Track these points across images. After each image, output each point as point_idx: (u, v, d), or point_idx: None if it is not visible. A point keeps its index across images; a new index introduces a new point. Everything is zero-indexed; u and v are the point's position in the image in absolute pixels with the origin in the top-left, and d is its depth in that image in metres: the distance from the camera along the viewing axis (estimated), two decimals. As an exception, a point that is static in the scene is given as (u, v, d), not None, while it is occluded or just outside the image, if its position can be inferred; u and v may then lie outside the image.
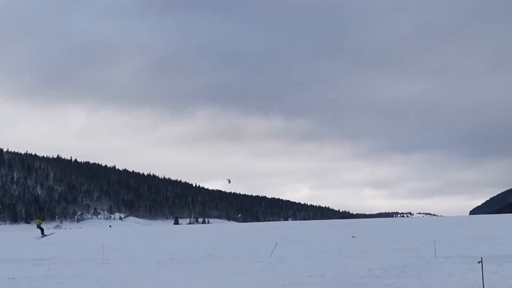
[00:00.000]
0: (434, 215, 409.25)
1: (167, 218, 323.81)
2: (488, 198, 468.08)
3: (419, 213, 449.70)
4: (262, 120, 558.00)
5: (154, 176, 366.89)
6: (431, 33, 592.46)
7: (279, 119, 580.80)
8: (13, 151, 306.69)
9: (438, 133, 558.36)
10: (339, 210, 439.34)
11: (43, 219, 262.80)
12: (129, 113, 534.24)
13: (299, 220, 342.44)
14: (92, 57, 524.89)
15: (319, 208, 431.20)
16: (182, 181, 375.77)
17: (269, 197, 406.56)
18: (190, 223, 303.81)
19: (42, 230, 63.54)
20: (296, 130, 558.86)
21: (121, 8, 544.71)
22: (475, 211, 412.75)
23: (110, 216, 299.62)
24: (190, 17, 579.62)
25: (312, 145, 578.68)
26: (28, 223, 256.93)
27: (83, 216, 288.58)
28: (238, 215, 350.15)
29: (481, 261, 19.30)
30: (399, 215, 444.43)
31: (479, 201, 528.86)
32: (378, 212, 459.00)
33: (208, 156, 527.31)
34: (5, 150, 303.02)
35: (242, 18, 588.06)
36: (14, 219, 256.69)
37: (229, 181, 70.39)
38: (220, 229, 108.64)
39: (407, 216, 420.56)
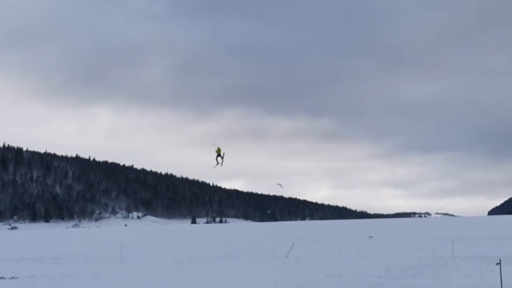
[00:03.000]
0: (452, 215, 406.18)
1: (184, 217, 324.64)
2: (507, 198, 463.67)
3: (437, 213, 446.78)
4: (286, 120, 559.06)
5: (171, 175, 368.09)
6: (454, 33, 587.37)
7: (302, 119, 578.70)
8: (32, 150, 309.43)
9: (459, 133, 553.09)
10: (356, 210, 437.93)
11: (62, 218, 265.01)
12: (155, 113, 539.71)
13: (316, 219, 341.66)
14: (123, 58, 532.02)
15: (336, 208, 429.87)
16: (200, 180, 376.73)
17: (286, 196, 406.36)
18: (207, 222, 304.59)
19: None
20: (319, 130, 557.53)
21: (153, 12, 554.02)
22: (494, 211, 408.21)
23: (128, 215, 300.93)
24: (219, 19, 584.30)
25: (334, 145, 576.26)
26: (47, 221, 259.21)
27: (101, 215, 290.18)
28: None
29: (499, 263, 19.16)
30: (417, 215, 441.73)
31: (499, 201, 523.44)
32: (395, 212, 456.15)
33: (231, 157, 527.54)
34: (24, 149, 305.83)
35: (269, 19, 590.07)
36: (34, 218, 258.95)
37: (281, 186, 69.68)
38: (237, 228, 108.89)
39: (425, 216, 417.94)
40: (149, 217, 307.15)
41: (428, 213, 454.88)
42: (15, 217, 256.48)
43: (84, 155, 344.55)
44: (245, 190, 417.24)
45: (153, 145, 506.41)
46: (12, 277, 25.68)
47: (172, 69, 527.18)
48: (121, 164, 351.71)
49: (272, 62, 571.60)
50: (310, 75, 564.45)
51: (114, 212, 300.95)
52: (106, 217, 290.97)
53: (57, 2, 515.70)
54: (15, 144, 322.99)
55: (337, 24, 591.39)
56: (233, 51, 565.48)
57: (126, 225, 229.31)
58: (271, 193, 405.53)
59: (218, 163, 52.34)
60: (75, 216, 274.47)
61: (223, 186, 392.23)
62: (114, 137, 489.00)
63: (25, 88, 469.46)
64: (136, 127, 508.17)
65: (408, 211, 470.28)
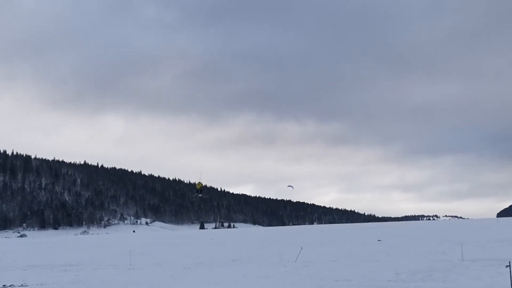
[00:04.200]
0: (461, 217, 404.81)
1: (193, 222, 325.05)
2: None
3: (446, 215, 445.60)
4: (296, 125, 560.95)
5: (179, 180, 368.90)
6: (462, 36, 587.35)
7: (312, 123, 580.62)
8: (41, 157, 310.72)
9: (468, 135, 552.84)
10: (364, 213, 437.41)
11: (71, 225, 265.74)
12: (166, 120, 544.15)
13: (324, 223, 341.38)
14: (135, 66, 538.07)
15: (345, 212, 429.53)
16: (208, 185, 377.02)
17: (294, 201, 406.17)
18: (215, 227, 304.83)
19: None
20: (328, 134, 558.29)
21: (164, 21, 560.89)
22: (503, 213, 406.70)
23: (137, 221, 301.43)
24: (229, 26, 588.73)
25: (343, 149, 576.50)
26: (56, 228, 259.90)
27: (110, 221, 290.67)
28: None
29: (510, 265, 19.11)
30: (425, 218, 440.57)
31: (508, 203, 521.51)
32: (404, 215, 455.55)
33: (240, 162, 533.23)
34: (33, 156, 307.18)
35: (279, 25, 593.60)
36: (42, 225, 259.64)
37: (292, 187, 69.68)
38: (245, 233, 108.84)
39: (434, 219, 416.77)
40: (157, 223, 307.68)
41: (436, 216, 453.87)
42: (24, 224, 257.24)
43: (93, 162, 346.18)
44: (254, 195, 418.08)
45: (163, 151, 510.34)
46: (22, 285, 25.80)
47: (183, 76, 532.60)
48: (129, 170, 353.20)
49: (282, 68, 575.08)
50: (319, 80, 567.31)
51: (122, 219, 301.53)
52: (114, 224, 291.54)
53: (70, 12, 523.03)
54: (27, 152, 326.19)
55: (346, 29, 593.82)
56: (243, 57, 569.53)
57: (134, 231, 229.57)
58: (280, 197, 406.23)
59: (200, 195, 53.94)
60: (84, 223, 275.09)
61: (231, 191, 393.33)
62: (125, 144, 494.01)
63: (38, 97, 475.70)
64: (147, 134, 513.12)
65: (417, 214, 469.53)
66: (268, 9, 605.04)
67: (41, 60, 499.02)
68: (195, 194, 56.98)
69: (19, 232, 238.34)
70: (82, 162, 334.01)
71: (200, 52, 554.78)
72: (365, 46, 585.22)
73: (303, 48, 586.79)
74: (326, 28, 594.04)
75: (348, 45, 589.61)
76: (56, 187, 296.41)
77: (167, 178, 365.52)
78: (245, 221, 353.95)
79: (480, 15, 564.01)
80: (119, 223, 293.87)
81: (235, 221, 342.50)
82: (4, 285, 26.01)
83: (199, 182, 56.52)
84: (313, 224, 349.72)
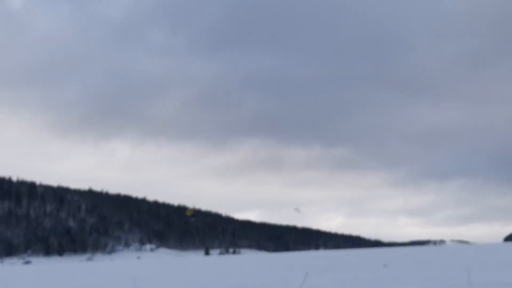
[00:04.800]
0: (467, 242, 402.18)
1: (197, 248, 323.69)
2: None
3: (452, 240, 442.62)
4: (302, 150, 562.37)
5: (184, 206, 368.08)
6: (468, 62, 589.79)
7: (318, 148, 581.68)
8: (45, 184, 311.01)
9: (474, 159, 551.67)
10: (370, 238, 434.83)
11: (75, 251, 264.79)
12: (172, 146, 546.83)
13: (329, 249, 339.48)
14: (141, 92, 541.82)
15: (350, 237, 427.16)
16: (213, 211, 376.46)
17: (300, 226, 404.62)
18: (220, 253, 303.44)
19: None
20: (334, 159, 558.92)
21: (172, 47, 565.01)
22: (510, 237, 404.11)
23: (141, 247, 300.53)
24: (237, 52, 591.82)
25: (349, 173, 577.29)
26: (60, 255, 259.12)
27: (115, 247, 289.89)
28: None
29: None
30: (431, 243, 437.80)
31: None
32: (410, 240, 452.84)
33: (246, 187, 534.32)
34: (38, 183, 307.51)
35: (286, 51, 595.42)
36: (47, 252, 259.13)
37: (298, 210, 69.79)
38: (250, 259, 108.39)
39: (440, 244, 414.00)
40: (162, 249, 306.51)
41: (443, 240, 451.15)
42: (29, 251, 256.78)
43: (98, 188, 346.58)
44: (260, 220, 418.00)
45: (169, 177, 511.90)
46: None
47: (189, 102, 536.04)
48: (134, 196, 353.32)
49: (289, 94, 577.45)
50: (326, 105, 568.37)
51: (127, 245, 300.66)
52: (119, 250, 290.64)
53: (79, 39, 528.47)
54: (31, 178, 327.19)
55: (353, 55, 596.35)
56: (250, 83, 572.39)
57: (138, 258, 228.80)
58: (285, 223, 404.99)
59: (193, 219, 55.03)
60: (89, 249, 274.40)
61: (235, 217, 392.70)
62: (131, 171, 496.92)
63: (45, 123, 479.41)
64: (153, 160, 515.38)
65: (423, 238, 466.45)
66: (275, 36, 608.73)
67: (49, 86, 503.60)
68: (192, 219, 57.61)
69: (23, 259, 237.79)
70: (87, 189, 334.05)
71: (207, 78, 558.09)
72: (372, 72, 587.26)
73: (310, 74, 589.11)
74: (332, 54, 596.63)
75: (354, 71, 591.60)
76: (61, 213, 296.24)
77: (171, 204, 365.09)
78: (250, 246, 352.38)
79: (486, 41, 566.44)
80: (123, 250, 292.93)
81: (240, 247, 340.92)
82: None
83: (190, 209, 57.50)
84: (318, 249, 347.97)
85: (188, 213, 55.38)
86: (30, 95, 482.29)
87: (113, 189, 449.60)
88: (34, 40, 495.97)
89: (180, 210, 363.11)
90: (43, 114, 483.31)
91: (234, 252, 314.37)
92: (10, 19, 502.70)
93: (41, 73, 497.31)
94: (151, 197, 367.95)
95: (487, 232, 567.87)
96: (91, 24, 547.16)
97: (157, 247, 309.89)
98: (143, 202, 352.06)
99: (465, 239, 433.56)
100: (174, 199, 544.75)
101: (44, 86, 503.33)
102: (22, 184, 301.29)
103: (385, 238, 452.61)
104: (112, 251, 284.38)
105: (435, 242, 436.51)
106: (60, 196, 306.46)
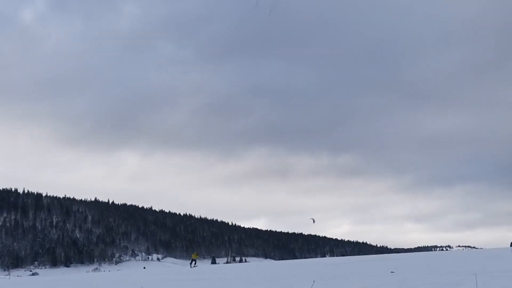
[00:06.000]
0: (474, 247, 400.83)
1: (204, 257, 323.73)
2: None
3: (459, 245, 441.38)
4: (309, 158, 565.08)
5: (190, 216, 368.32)
6: (474, 68, 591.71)
7: (325, 156, 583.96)
8: (51, 195, 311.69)
9: (480, 165, 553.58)
10: (377, 245, 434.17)
11: (82, 262, 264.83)
12: (180, 155, 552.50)
13: (336, 256, 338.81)
14: (150, 103, 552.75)
15: (357, 244, 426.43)
16: (219, 220, 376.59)
17: (306, 233, 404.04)
18: (227, 262, 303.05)
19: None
20: (341, 166, 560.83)
21: (180, 58, 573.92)
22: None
23: (148, 257, 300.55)
24: (245, 62, 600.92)
25: (356, 180, 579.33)
26: (67, 266, 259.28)
27: (121, 258, 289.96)
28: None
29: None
30: (438, 249, 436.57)
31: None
32: (416, 246, 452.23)
33: (253, 195, 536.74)
34: (44, 194, 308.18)
35: (293, 60, 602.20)
36: (54, 263, 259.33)
37: (313, 221, 70.28)
38: (257, 267, 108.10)
39: (446, 249, 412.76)
40: (169, 259, 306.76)
41: (449, 246, 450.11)
42: (36, 263, 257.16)
43: (105, 199, 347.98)
44: (267, 228, 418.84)
45: (176, 187, 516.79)
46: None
47: (197, 112, 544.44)
48: (140, 206, 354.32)
49: (296, 102, 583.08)
50: (332, 113, 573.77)
51: (134, 255, 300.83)
52: (126, 260, 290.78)
53: (88, 51, 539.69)
54: (39, 190, 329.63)
55: (360, 63, 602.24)
56: (257, 92, 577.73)
57: (144, 268, 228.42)
58: (291, 231, 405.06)
59: (193, 265, 56.48)
60: (95, 260, 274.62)
61: (242, 225, 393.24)
62: (139, 181, 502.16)
63: (54, 135, 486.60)
64: (161, 170, 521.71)
65: (429, 244, 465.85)
66: (282, 45, 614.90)
67: (59, 99, 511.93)
68: (192, 265, 58.93)
69: (30, 271, 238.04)
70: (93, 199, 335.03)
71: (215, 87, 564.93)
72: (378, 80, 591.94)
73: (316, 82, 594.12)
74: (339, 62, 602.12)
75: (361, 79, 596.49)
76: (67, 224, 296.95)
77: (177, 213, 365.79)
78: (256, 255, 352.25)
79: (492, 47, 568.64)
80: (130, 260, 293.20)
81: (247, 256, 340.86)
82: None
83: (195, 253, 59.49)
84: (325, 256, 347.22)
85: (194, 257, 58.10)
86: (41, 108, 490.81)
87: (121, 199, 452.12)
88: (45, 54, 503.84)
89: (187, 219, 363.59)
90: (52, 126, 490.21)
91: (240, 261, 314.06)
92: (21, 34, 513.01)
93: (52, 86, 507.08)
94: (158, 207, 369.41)
95: (493, 237, 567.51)
96: (101, 37, 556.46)
97: (164, 256, 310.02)
98: (149, 211, 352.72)
99: (471, 244, 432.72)
100: (181, 209, 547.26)
101: (54, 98, 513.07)
102: (28, 195, 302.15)
103: (391, 244, 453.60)
104: (118, 261, 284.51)
105: (442, 248, 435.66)
106: (67, 207, 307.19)
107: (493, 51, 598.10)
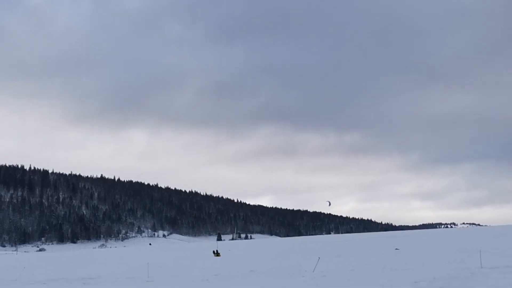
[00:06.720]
0: (479, 225, 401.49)
1: (210, 234, 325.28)
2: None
3: (463, 223, 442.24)
4: (316, 136, 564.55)
5: (196, 193, 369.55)
6: (482, 49, 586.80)
7: (332, 134, 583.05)
8: (58, 172, 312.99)
9: (486, 144, 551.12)
10: (381, 222, 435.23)
11: (89, 238, 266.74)
12: (188, 134, 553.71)
13: (341, 233, 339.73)
14: (159, 83, 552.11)
15: (362, 221, 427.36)
16: (224, 197, 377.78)
17: (311, 211, 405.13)
18: (232, 238, 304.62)
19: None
20: (348, 145, 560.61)
21: (189, 38, 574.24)
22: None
23: (154, 234, 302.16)
24: (252, 42, 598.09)
25: (362, 159, 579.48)
26: (74, 242, 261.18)
27: (128, 234, 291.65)
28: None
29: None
30: (442, 226, 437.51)
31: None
32: (421, 224, 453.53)
33: (260, 173, 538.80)
34: (50, 171, 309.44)
35: (301, 40, 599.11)
36: (61, 239, 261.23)
37: (329, 203, 70.95)
38: (262, 244, 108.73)
39: (451, 227, 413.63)
40: (175, 235, 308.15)
41: (454, 224, 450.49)
42: (43, 239, 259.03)
43: (111, 176, 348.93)
44: (272, 205, 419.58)
45: (184, 165, 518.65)
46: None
47: (206, 91, 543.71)
48: (146, 183, 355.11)
49: (303, 82, 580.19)
50: (340, 92, 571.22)
51: (140, 232, 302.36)
52: (132, 237, 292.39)
53: (98, 32, 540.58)
54: (48, 167, 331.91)
55: (368, 43, 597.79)
56: (265, 72, 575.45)
57: (150, 244, 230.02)
58: (296, 208, 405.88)
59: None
60: (102, 236, 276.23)
61: (247, 202, 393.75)
62: (147, 159, 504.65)
63: (64, 113, 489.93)
64: (169, 148, 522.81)
65: (434, 222, 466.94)
66: (290, 25, 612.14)
67: (69, 78, 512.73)
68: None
69: (38, 246, 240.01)
70: (99, 176, 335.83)
71: (223, 67, 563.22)
72: (386, 60, 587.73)
73: (324, 62, 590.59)
74: (346, 42, 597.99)
75: (368, 59, 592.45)
76: (74, 201, 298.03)
77: (183, 190, 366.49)
78: (262, 232, 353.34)
79: (499, 29, 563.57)
80: (136, 236, 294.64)
81: (252, 232, 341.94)
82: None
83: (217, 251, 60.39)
84: (330, 234, 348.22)
85: (217, 255, 58.60)
86: (51, 86, 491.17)
87: (127, 177, 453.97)
88: (55, 33, 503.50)
89: (192, 196, 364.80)
90: (62, 104, 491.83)
91: (246, 238, 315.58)
92: (31, 14, 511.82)
93: (62, 66, 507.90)
94: (164, 184, 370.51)
95: (498, 214, 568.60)
96: (110, 17, 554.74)
97: (170, 233, 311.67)
98: (155, 188, 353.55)
99: (476, 222, 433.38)
100: (188, 187, 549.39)
101: (64, 78, 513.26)
102: (35, 172, 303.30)
103: (396, 222, 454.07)
104: (125, 238, 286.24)
105: (446, 225, 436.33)
106: (73, 184, 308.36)
107: (502, 32, 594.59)
